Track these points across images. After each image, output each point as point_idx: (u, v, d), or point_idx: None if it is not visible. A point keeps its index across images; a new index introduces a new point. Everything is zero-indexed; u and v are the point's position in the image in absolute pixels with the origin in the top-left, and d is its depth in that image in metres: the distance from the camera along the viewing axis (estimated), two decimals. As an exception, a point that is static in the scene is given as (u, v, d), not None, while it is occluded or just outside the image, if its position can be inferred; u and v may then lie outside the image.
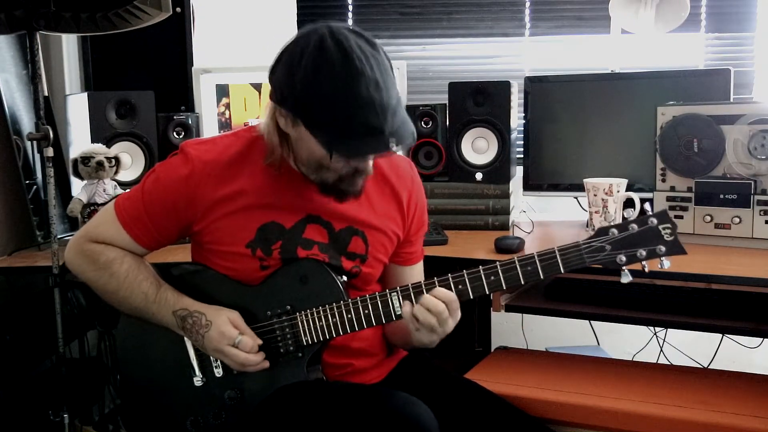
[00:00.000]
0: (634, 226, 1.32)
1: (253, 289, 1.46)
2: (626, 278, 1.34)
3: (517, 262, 1.35)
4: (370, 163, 1.38)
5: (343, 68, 1.24)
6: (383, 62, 1.29)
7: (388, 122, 1.27)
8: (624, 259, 1.32)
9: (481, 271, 1.37)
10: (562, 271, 1.34)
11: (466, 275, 1.37)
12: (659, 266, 1.32)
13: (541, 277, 1.35)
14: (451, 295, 1.36)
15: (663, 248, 1.31)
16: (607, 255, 1.32)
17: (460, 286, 1.37)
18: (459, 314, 1.39)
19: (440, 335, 1.39)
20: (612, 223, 1.34)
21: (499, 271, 1.36)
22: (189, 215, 1.44)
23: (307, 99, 1.28)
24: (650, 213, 1.32)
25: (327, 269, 1.44)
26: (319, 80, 1.25)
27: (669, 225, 1.31)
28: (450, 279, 1.38)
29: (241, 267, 1.45)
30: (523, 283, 1.36)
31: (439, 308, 1.35)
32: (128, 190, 1.54)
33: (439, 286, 1.37)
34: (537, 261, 1.34)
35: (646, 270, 1.34)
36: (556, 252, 1.34)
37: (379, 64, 1.28)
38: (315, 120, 1.29)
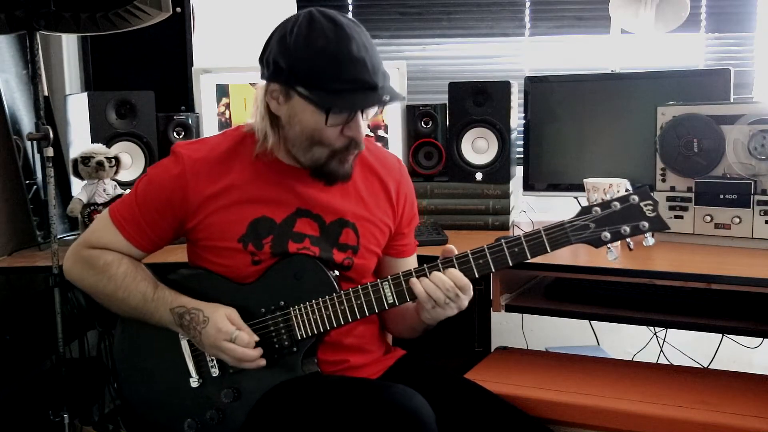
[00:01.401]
0: (617, 204, 1.35)
1: (247, 287, 1.47)
2: (612, 256, 1.37)
3: (504, 244, 1.38)
4: (363, 132, 1.40)
5: (334, 33, 1.31)
6: (369, 38, 1.36)
7: (380, 79, 1.33)
8: (608, 236, 1.35)
9: (470, 255, 1.39)
10: (549, 250, 1.37)
11: (455, 260, 1.40)
12: (644, 243, 1.35)
13: (529, 257, 1.38)
14: (463, 279, 1.39)
15: (646, 224, 1.34)
16: (592, 233, 1.35)
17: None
18: (471, 292, 1.41)
19: (453, 311, 1.42)
20: (595, 203, 1.37)
21: (487, 253, 1.39)
22: (182, 213, 1.46)
23: (302, 61, 1.32)
24: (631, 191, 1.35)
25: (320, 265, 1.46)
26: (312, 42, 1.31)
27: (650, 202, 1.35)
28: (440, 265, 1.40)
29: (233, 263, 1.47)
30: (511, 264, 1.39)
31: (447, 285, 1.38)
32: (122, 196, 1.55)
33: (429, 271, 1.40)
34: (524, 241, 1.38)
35: (631, 247, 1.37)
36: (542, 232, 1.37)
37: (366, 37, 1.35)
38: (310, 81, 1.33)
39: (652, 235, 1.36)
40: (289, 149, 1.45)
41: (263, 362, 1.44)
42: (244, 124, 1.51)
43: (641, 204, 1.34)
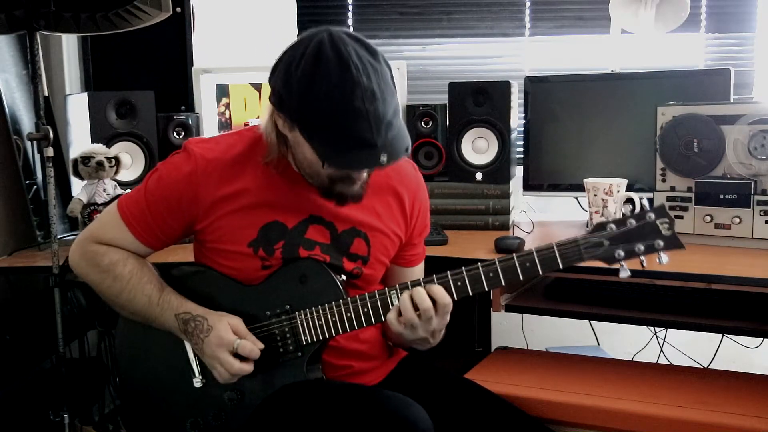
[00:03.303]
0: (632, 221, 1.31)
1: (253, 289, 1.46)
2: (625, 273, 1.33)
3: (515, 259, 1.35)
4: (364, 173, 1.38)
5: (339, 78, 1.23)
6: (382, 72, 1.28)
7: (382, 136, 1.25)
8: (622, 254, 1.31)
9: (480, 268, 1.36)
10: (561, 267, 1.33)
11: (464, 272, 1.37)
12: (657, 261, 1.31)
13: (540, 273, 1.34)
14: (445, 297, 1.36)
15: (661, 243, 1.30)
16: (606, 250, 1.31)
17: (459, 283, 1.37)
18: (447, 318, 1.39)
19: (423, 335, 1.38)
20: (610, 219, 1.34)
21: (498, 267, 1.36)
22: (192, 213, 1.44)
23: (302, 107, 1.27)
24: (648, 208, 1.32)
25: (326, 268, 1.44)
26: (314, 89, 1.25)
27: (667, 220, 1.30)
28: (449, 276, 1.37)
29: (242, 266, 1.45)
30: (521, 278, 1.35)
31: (425, 305, 1.34)
32: (130, 191, 1.53)
33: (438, 283, 1.37)
34: (535, 257, 1.34)
35: (644, 265, 1.33)
36: (555, 247, 1.33)
37: (377, 73, 1.26)
38: (309, 128, 1.29)
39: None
40: (297, 166, 1.43)
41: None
42: (259, 124, 1.46)
43: (657, 222, 1.30)
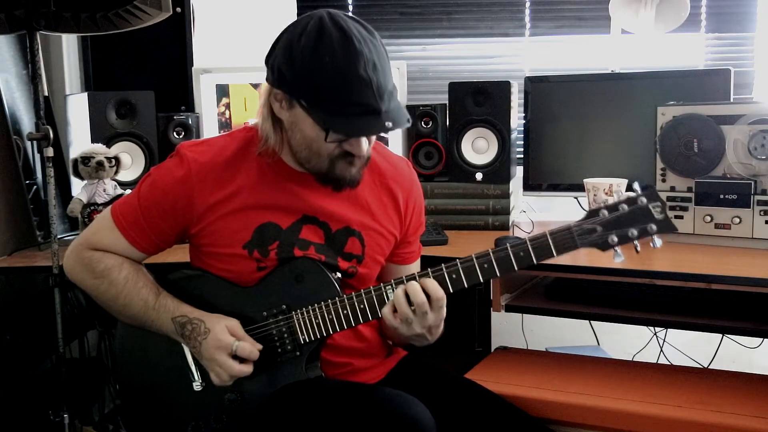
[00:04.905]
0: (624, 206, 1.31)
1: (249, 290, 1.46)
2: (619, 258, 1.33)
3: (509, 249, 1.35)
4: (364, 147, 1.37)
5: (343, 47, 1.26)
6: (380, 48, 1.32)
7: (385, 103, 1.29)
8: (615, 239, 1.31)
9: (474, 259, 1.36)
10: (554, 254, 1.33)
11: (459, 264, 1.37)
12: (651, 245, 1.31)
13: (534, 261, 1.34)
14: (438, 291, 1.35)
15: (654, 226, 1.30)
16: (599, 236, 1.32)
17: (453, 276, 1.37)
18: (443, 313, 1.38)
19: (419, 331, 1.37)
20: (602, 205, 1.34)
21: (492, 258, 1.36)
22: (186, 218, 1.44)
23: (306, 76, 1.28)
24: (639, 192, 1.32)
25: (321, 267, 1.44)
26: (318, 58, 1.27)
27: (659, 203, 1.31)
28: (443, 269, 1.37)
29: (238, 268, 1.45)
30: (516, 269, 1.35)
31: (419, 299, 1.34)
32: (124, 196, 1.53)
33: (433, 276, 1.37)
34: (529, 245, 1.34)
35: (638, 249, 1.33)
36: (548, 235, 1.33)
37: (377, 49, 1.30)
38: (313, 97, 1.30)
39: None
40: (294, 154, 1.43)
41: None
42: (254, 124, 1.46)
43: (649, 206, 1.30)
